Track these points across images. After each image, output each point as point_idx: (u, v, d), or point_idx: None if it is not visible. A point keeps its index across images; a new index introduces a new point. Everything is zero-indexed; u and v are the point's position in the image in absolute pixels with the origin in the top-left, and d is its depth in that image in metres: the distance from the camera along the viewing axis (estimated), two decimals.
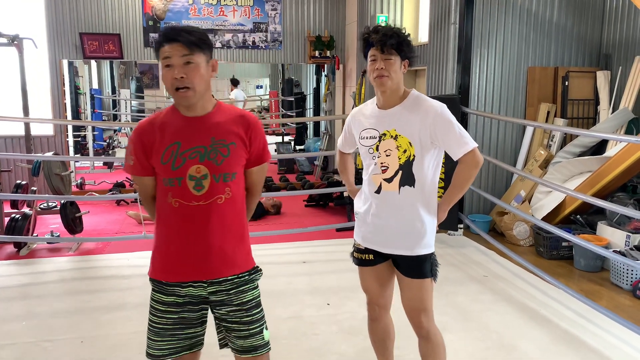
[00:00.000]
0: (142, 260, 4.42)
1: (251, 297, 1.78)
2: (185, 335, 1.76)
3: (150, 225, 5.48)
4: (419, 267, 2.10)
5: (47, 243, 4.83)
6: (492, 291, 3.74)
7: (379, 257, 2.18)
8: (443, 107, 2.04)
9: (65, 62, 7.20)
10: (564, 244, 4.42)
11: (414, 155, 2.03)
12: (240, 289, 1.76)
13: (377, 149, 2.09)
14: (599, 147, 5.07)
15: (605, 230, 4.26)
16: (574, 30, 5.37)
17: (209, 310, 1.81)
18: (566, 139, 5.30)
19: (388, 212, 2.09)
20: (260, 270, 1.84)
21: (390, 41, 1.98)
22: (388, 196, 2.08)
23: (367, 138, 2.13)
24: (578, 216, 4.64)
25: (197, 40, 1.62)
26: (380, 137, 2.08)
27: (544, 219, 4.63)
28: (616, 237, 4.12)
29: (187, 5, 7.19)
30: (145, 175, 1.74)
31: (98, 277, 4.07)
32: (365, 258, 2.21)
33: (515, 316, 3.36)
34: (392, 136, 2.05)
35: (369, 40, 2.02)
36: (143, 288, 3.78)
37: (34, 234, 4.87)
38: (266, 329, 1.83)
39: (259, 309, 1.81)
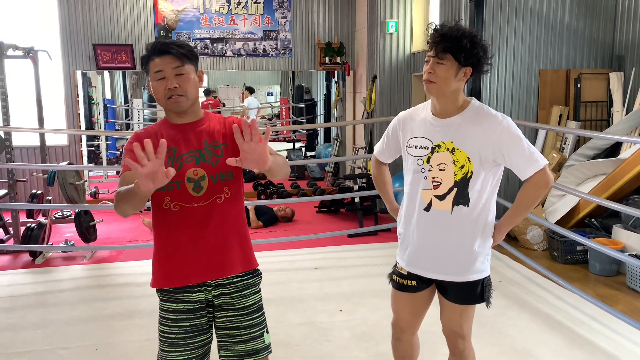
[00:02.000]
0: None
1: (253, 302, 1.80)
2: (197, 344, 1.76)
3: None
4: (467, 294, 1.94)
5: (62, 252, 4.89)
6: (506, 296, 3.71)
7: (423, 283, 1.99)
8: (508, 120, 1.83)
9: (79, 73, 7.30)
10: (578, 248, 4.37)
11: (471, 172, 1.83)
12: (242, 292, 1.77)
13: (427, 162, 1.88)
14: (613, 150, 5.01)
15: (620, 234, 4.20)
16: (586, 32, 5.33)
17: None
18: (579, 142, 5.24)
19: (438, 233, 1.90)
20: (261, 273, 1.86)
21: (444, 44, 1.77)
22: (439, 215, 1.88)
23: (416, 147, 1.92)
24: (593, 220, 4.59)
25: (186, 52, 1.69)
26: (433, 148, 1.87)
27: (558, 222, 4.58)
28: (632, 240, 4.07)
29: (198, 14, 7.27)
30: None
31: (112, 285, 4.11)
32: (407, 284, 2.01)
33: (529, 321, 3.32)
34: (448, 149, 1.84)
35: (429, 40, 1.84)
36: (157, 295, 3.81)
37: (49, 243, 4.93)
38: (267, 332, 1.84)
39: (260, 313, 1.82)
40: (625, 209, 3.20)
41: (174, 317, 1.74)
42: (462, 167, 1.84)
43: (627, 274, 3.91)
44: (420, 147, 1.91)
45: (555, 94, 5.36)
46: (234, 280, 1.76)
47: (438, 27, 1.83)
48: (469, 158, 1.83)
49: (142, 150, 1.41)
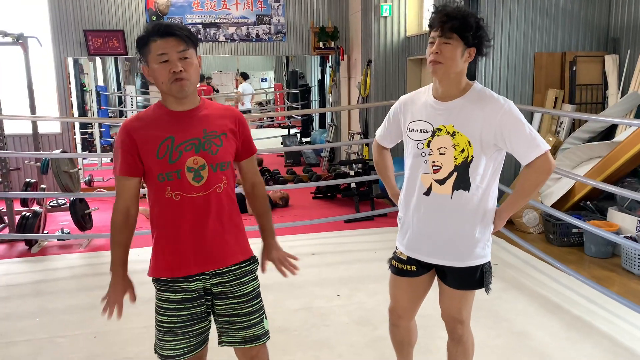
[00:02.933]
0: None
1: (252, 289, 1.81)
2: (196, 331, 1.76)
3: None
4: (467, 279, 1.93)
5: (58, 240, 4.87)
6: (502, 279, 3.73)
7: (422, 268, 1.98)
8: (510, 104, 1.80)
9: (70, 60, 7.21)
10: (574, 230, 4.40)
11: (472, 156, 1.81)
12: (241, 280, 1.78)
13: (428, 145, 1.86)
14: (609, 133, 5.02)
15: (615, 216, 4.23)
16: (581, 14, 5.30)
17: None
18: (575, 125, 5.25)
19: (437, 218, 1.88)
20: (258, 260, 1.86)
21: (451, 23, 1.73)
22: (439, 200, 1.86)
23: (416, 131, 1.89)
24: (588, 202, 4.61)
25: (189, 35, 1.66)
26: (433, 132, 1.85)
27: (554, 205, 4.60)
28: (627, 222, 4.09)
29: None
30: (133, 176, 1.71)
31: (109, 273, 4.09)
32: (406, 269, 2.00)
33: (526, 304, 3.35)
34: (448, 132, 1.82)
35: (431, 21, 1.81)
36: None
37: (44, 232, 4.91)
38: (265, 318, 1.85)
39: (258, 299, 1.83)
40: (620, 191, 3.22)
41: (173, 306, 1.74)
42: (463, 151, 1.81)
43: (622, 255, 3.94)
44: (421, 130, 1.89)
45: (551, 77, 5.34)
46: (232, 268, 1.76)
47: (441, 7, 1.80)
48: (469, 142, 1.80)
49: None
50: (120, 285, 1.80)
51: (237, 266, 1.77)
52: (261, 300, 1.84)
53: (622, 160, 4.22)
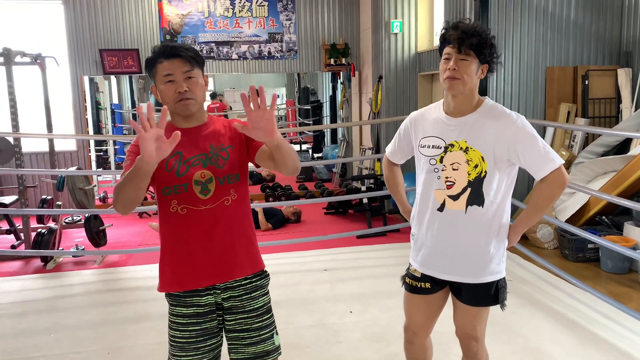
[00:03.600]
0: None
1: (262, 304, 1.80)
2: (208, 347, 1.76)
3: None
4: (481, 296, 1.91)
5: (73, 256, 4.92)
6: (517, 295, 3.69)
7: (436, 285, 1.97)
8: (523, 119, 1.81)
9: (86, 79, 7.35)
10: (589, 246, 4.34)
11: (485, 172, 1.80)
12: (251, 295, 1.78)
13: (440, 161, 1.86)
14: (623, 146, 4.97)
15: (632, 231, 4.17)
16: (592, 28, 5.29)
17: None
18: (588, 139, 5.21)
19: (452, 234, 1.87)
20: (269, 275, 1.86)
21: (470, 40, 1.75)
22: (452, 215, 1.86)
23: (428, 147, 1.89)
24: (603, 217, 4.55)
25: (195, 56, 1.69)
26: (446, 147, 1.85)
27: (568, 220, 4.55)
28: None
29: (203, 18, 7.29)
30: None
31: (122, 289, 4.13)
32: (421, 286, 1.98)
33: (542, 320, 3.30)
34: (461, 148, 1.82)
35: (446, 37, 1.81)
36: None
37: (59, 248, 4.96)
38: (276, 333, 1.84)
39: (269, 315, 1.82)
40: (636, 206, 3.17)
41: (185, 321, 1.74)
42: (476, 166, 1.81)
43: None
44: (433, 146, 1.89)
45: (563, 91, 5.33)
46: (243, 282, 1.77)
47: (457, 24, 1.81)
48: (482, 157, 1.80)
49: (130, 157, 1.42)
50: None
51: (248, 280, 1.78)
52: (272, 316, 1.84)
53: (638, 174, 4.18)
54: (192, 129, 1.74)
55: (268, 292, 1.84)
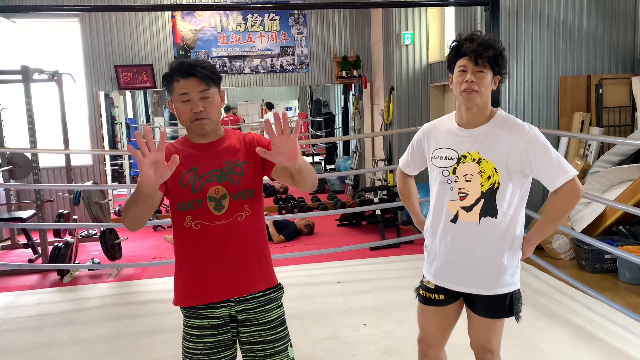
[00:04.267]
0: None
1: (276, 316, 1.80)
2: (223, 359, 1.77)
3: None
4: (496, 307, 1.90)
5: (89, 270, 4.97)
6: (533, 306, 3.64)
7: (450, 297, 1.96)
8: (536, 130, 1.81)
9: (101, 94, 7.48)
10: (607, 256, 4.27)
11: (498, 183, 1.81)
12: (265, 307, 1.78)
13: (453, 172, 1.87)
14: (639, 155, 4.91)
15: None
16: (605, 36, 5.26)
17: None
18: (603, 148, 5.16)
19: (465, 245, 1.87)
20: (283, 287, 1.86)
21: (487, 53, 1.76)
22: (466, 227, 1.86)
23: (441, 158, 1.91)
24: (621, 227, 4.49)
25: (211, 75, 1.69)
26: (459, 159, 1.86)
27: (584, 231, 4.49)
28: None
29: (216, 33, 7.39)
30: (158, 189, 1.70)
31: (138, 302, 4.16)
32: (434, 298, 1.98)
33: (558, 332, 3.25)
34: (474, 159, 1.83)
35: (461, 49, 1.81)
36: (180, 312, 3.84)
37: (76, 262, 5.01)
38: (291, 346, 1.84)
39: (283, 327, 1.82)
40: None
41: (199, 333, 1.75)
42: (489, 177, 1.82)
43: None
44: (446, 157, 1.89)
45: (576, 101, 5.29)
46: (257, 295, 1.77)
47: (473, 36, 1.81)
48: (495, 168, 1.81)
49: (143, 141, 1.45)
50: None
51: (261, 293, 1.78)
52: (286, 328, 1.84)
53: None
54: (208, 144, 1.75)
55: (282, 305, 1.84)
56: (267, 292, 1.80)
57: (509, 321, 2.00)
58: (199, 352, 1.75)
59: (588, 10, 5.21)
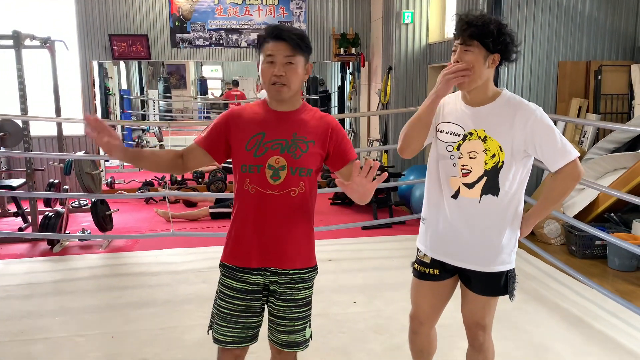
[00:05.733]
0: (170, 257, 4.48)
1: (304, 296, 1.84)
2: (248, 324, 1.81)
3: (177, 224, 5.55)
4: (491, 285, 1.92)
5: (79, 240, 4.94)
6: (523, 290, 3.66)
7: (445, 272, 1.97)
8: (541, 111, 1.81)
9: (95, 64, 7.35)
10: (597, 242, 4.30)
11: (502, 162, 1.80)
12: (296, 285, 1.81)
13: (458, 149, 1.86)
14: (634, 143, 4.91)
15: None
16: (607, 23, 5.21)
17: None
18: (599, 135, 5.15)
19: (464, 221, 1.88)
20: (317, 269, 1.89)
21: (470, 30, 1.73)
22: (466, 203, 1.86)
23: (447, 133, 1.89)
24: (612, 214, 4.51)
25: (300, 43, 1.70)
26: (464, 136, 1.85)
27: (576, 217, 4.51)
28: None
29: (213, 5, 7.25)
30: (203, 148, 1.81)
31: (128, 274, 4.15)
32: (430, 272, 1.98)
33: (547, 316, 3.28)
34: (479, 137, 1.82)
35: (454, 31, 1.81)
36: (172, 285, 3.84)
37: (66, 232, 4.98)
38: (309, 326, 1.88)
39: (307, 307, 1.86)
40: None
41: (232, 294, 1.79)
42: (494, 156, 1.81)
43: None
44: (452, 133, 1.88)
45: (575, 86, 5.26)
46: (291, 272, 1.80)
47: (463, 15, 1.79)
48: (500, 147, 1.80)
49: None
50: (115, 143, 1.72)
51: (296, 271, 1.80)
52: (310, 309, 1.88)
53: None
54: (282, 112, 1.77)
55: (312, 286, 1.88)
56: (302, 272, 1.82)
57: (499, 304, 2.00)
58: (229, 312, 1.80)
59: None
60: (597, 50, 5.26)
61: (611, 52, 5.28)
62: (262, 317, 1.86)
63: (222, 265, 1.84)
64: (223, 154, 1.81)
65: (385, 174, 1.65)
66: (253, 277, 1.78)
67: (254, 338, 1.85)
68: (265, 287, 1.81)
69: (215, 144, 1.80)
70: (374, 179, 1.60)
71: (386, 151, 6.92)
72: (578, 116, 5.16)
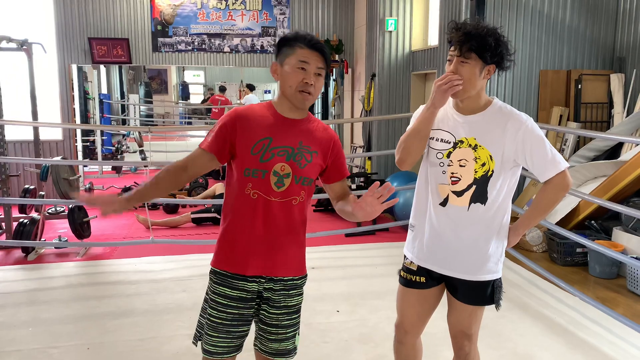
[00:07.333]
0: (149, 265, 4.38)
1: (296, 302, 1.83)
2: (238, 333, 1.78)
3: (157, 231, 5.45)
4: (478, 294, 1.90)
5: (55, 248, 4.81)
6: (506, 298, 3.64)
7: (432, 280, 1.95)
8: (532, 121, 1.81)
9: (74, 67, 7.22)
10: (578, 250, 4.33)
11: (492, 171, 1.80)
12: (290, 292, 1.80)
13: (448, 156, 1.85)
14: (614, 151, 4.98)
15: (620, 236, 4.16)
16: (587, 32, 5.29)
17: None
18: (579, 143, 5.21)
19: (452, 229, 1.86)
20: (307, 276, 1.88)
21: (469, 43, 1.73)
22: (454, 211, 1.85)
23: (438, 140, 1.88)
24: (592, 222, 4.55)
25: (329, 59, 1.77)
26: (455, 143, 1.84)
27: (557, 224, 4.54)
28: (632, 243, 4.03)
29: (196, 9, 7.19)
30: (211, 152, 1.75)
31: (105, 283, 4.04)
32: (416, 280, 1.96)
33: (530, 324, 3.28)
34: (470, 145, 1.82)
35: (449, 38, 1.80)
36: (151, 294, 3.74)
37: (41, 239, 4.85)
38: (298, 334, 1.86)
39: (298, 314, 1.85)
40: (626, 211, 3.16)
41: (226, 302, 1.75)
42: (484, 164, 1.81)
43: (628, 276, 3.87)
44: (442, 140, 1.87)
45: (556, 95, 5.33)
46: (285, 279, 1.79)
47: (460, 25, 1.78)
48: (490, 156, 1.80)
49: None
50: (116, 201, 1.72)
51: (290, 279, 1.79)
52: (300, 316, 1.86)
53: (628, 180, 4.18)
54: (291, 120, 1.76)
55: (303, 293, 1.86)
56: (296, 279, 1.81)
57: (483, 313, 1.97)
58: (220, 321, 1.76)
59: (572, 5, 5.23)
60: (577, 60, 5.34)
61: (591, 62, 5.36)
62: (251, 326, 1.83)
63: (213, 272, 1.79)
64: (227, 156, 1.77)
65: (396, 200, 1.68)
66: (249, 284, 1.75)
67: (240, 347, 1.82)
68: (259, 295, 1.78)
69: (223, 146, 1.75)
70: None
71: (369, 158, 6.91)
72: (559, 124, 5.22)
